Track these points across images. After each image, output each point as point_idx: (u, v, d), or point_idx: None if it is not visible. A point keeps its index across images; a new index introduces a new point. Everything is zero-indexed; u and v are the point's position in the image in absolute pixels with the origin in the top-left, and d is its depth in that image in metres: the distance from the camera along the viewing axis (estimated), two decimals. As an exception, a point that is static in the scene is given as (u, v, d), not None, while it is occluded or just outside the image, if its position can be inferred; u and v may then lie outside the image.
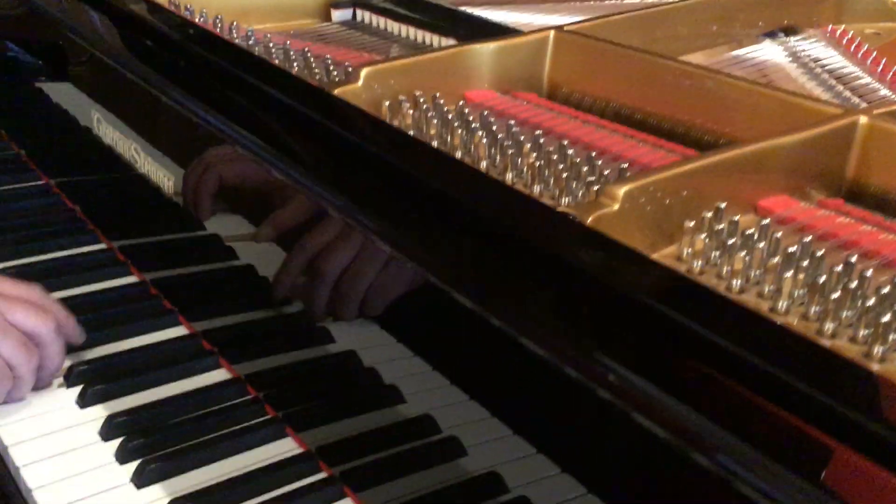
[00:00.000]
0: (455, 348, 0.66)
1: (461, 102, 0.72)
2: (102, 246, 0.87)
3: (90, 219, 0.91)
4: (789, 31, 1.08)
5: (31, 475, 0.58)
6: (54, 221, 0.90)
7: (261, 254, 0.80)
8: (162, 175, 0.85)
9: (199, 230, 0.85)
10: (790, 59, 0.96)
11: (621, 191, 0.50)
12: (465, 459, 0.62)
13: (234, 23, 0.92)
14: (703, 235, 0.51)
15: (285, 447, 0.63)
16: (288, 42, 0.89)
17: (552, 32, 0.81)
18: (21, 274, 0.79)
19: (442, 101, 0.71)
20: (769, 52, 0.99)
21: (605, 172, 0.58)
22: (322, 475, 0.60)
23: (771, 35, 1.06)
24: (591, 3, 1.10)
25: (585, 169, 0.59)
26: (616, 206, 0.50)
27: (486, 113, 0.69)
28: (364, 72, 0.70)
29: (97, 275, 0.81)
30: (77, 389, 0.66)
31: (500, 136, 0.65)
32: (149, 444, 0.60)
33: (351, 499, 0.59)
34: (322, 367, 0.70)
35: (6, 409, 0.63)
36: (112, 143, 0.98)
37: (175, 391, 0.67)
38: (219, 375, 0.69)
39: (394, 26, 1.02)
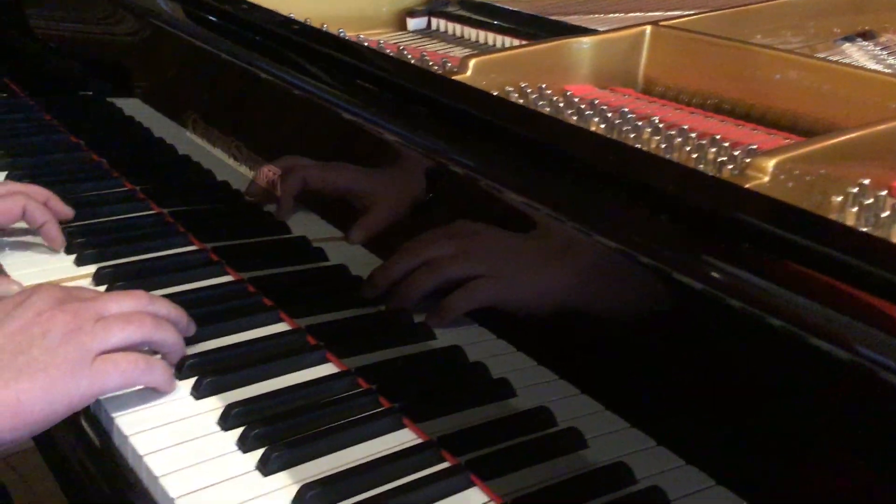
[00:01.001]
0: (562, 345, 0.65)
1: (568, 93, 0.71)
2: (195, 247, 0.87)
3: (179, 222, 0.91)
4: (867, 36, 1.07)
5: (155, 463, 0.57)
6: (143, 225, 0.91)
7: (349, 255, 0.81)
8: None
9: (284, 232, 0.86)
10: (874, 62, 0.95)
11: (771, 163, 0.49)
12: (589, 451, 0.61)
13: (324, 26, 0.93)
14: (855, 209, 0.50)
15: (405, 437, 0.62)
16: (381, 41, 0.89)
17: (649, 27, 0.81)
18: (118, 273, 0.81)
19: (549, 91, 0.71)
20: (852, 55, 0.98)
21: (735, 153, 0.57)
22: (446, 464, 0.59)
23: (849, 39, 1.05)
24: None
25: (714, 150, 0.58)
26: (766, 179, 0.49)
27: (596, 101, 0.68)
28: (472, 62, 0.69)
29: (194, 274, 0.81)
30: (190, 381, 0.65)
31: (617, 121, 0.64)
32: (271, 433, 0.60)
33: (479, 487, 0.58)
34: (430, 362, 0.70)
35: (121, 402, 0.63)
36: (195, 149, 0.99)
37: (286, 383, 0.66)
38: (327, 369, 0.69)
39: (471, 33, 1.03)
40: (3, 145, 1.07)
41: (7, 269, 0.82)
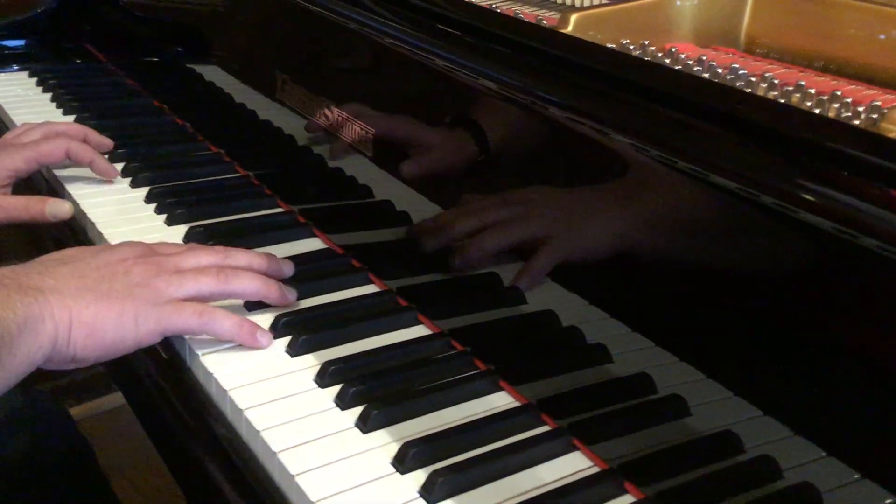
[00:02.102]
0: (655, 311, 0.64)
1: (673, 49, 0.69)
2: (282, 209, 0.87)
3: (265, 185, 0.91)
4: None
5: (255, 417, 0.57)
6: (231, 187, 0.91)
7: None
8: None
9: (368, 196, 0.86)
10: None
11: (907, 115, 0.46)
12: (693, 419, 0.59)
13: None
14: None
15: (503, 400, 0.61)
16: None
17: (753, -15, 0.78)
18: (209, 232, 0.81)
19: (653, 48, 0.69)
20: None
21: (860, 109, 0.55)
22: (547, 427, 0.58)
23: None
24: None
25: (836, 106, 0.55)
26: (903, 132, 0.46)
27: (704, 58, 0.66)
28: (574, 17, 0.68)
29: (282, 235, 0.81)
30: (286, 340, 0.65)
31: (729, 77, 0.62)
32: (368, 391, 0.59)
33: (582, 451, 0.57)
34: (523, 326, 0.69)
35: (220, 358, 0.63)
36: (277, 114, 0.99)
37: (380, 343, 0.66)
38: (420, 330, 0.68)
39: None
40: (90, 108, 1.08)
41: (99, 227, 0.83)
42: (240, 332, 0.64)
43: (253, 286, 0.67)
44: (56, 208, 0.81)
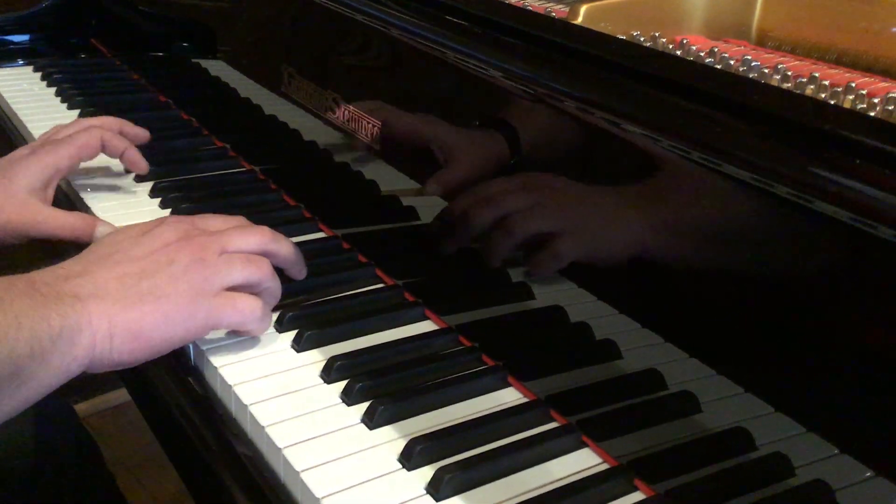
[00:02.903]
0: (665, 307, 0.63)
1: (685, 41, 0.68)
2: (288, 203, 0.87)
3: (271, 179, 0.91)
4: None
5: (260, 413, 0.57)
6: (237, 181, 0.91)
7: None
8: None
9: (374, 190, 0.85)
10: None
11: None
12: (704, 416, 0.58)
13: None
14: None
15: (511, 396, 0.61)
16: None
17: (765, -23, 0.77)
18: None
19: (664, 40, 0.68)
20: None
21: (875, 100, 0.54)
22: (556, 424, 0.58)
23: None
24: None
25: (851, 98, 0.55)
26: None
27: (716, 49, 0.65)
28: (584, 9, 0.67)
29: (288, 230, 0.79)
30: (291, 334, 0.65)
31: (741, 69, 0.61)
32: (375, 386, 0.59)
33: (592, 448, 0.56)
34: (531, 321, 0.68)
35: (224, 352, 0.63)
36: (282, 109, 0.99)
37: (387, 339, 0.66)
38: (427, 326, 0.68)
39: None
40: (95, 102, 1.08)
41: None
42: (264, 328, 0.64)
43: (278, 291, 0.65)
44: (106, 230, 0.76)
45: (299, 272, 0.70)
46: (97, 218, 0.78)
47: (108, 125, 0.87)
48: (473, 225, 0.72)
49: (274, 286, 0.65)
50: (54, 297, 0.56)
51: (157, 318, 0.58)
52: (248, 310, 0.62)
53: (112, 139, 0.85)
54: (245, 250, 0.64)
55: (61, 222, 0.75)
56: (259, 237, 0.66)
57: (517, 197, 0.70)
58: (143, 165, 0.88)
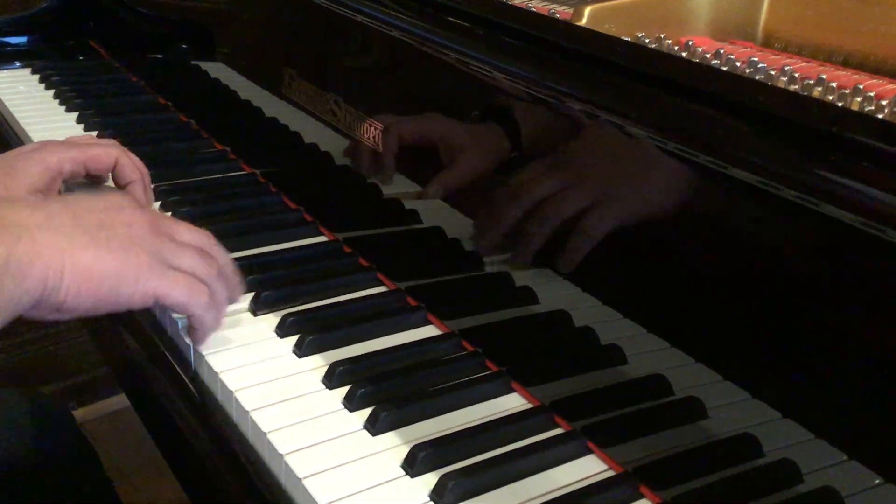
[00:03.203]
0: (671, 311, 0.63)
1: (690, 42, 0.68)
2: (288, 206, 0.87)
3: (271, 182, 0.91)
4: None
5: (261, 419, 0.57)
6: (237, 184, 0.91)
7: (443, 217, 0.80)
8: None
9: (377, 194, 0.85)
10: None
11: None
12: (710, 422, 0.58)
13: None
14: None
15: (515, 402, 0.61)
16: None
17: (771, -22, 0.77)
18: (214, 231, 0.79)
19: (669, 41, 0.68)
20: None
21: (883, 103, 0.54)
22: (560, 430, 0.58)
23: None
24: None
25: (859, 100, 0.55)
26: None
27: (722, 51, 0.65)
28: (588, 10, 0.67)
29: (289, 233, 0.81)
30: (293, 339, 0.65)
31: (748, 70, 0.61)
32: (377, 392, 0.59)
33: (597, 455, 0.56)
34: (535, 326, 0.68)
35: (225, 358, 0.62)
36: (282, 111, 0.99)
37: (389, 344, 0.65)
38: (430, 331, 0.68)
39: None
40: (94, 105, 1.08)
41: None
42: (212, 324, 0.63)
43: (223, 296, 0.64)
44: None
45: (233, 291, 0.66)
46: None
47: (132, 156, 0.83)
48: (506, 221, 0.71)
49: (220, 293, 0.63)
50: None
51: (110, 267, 0.57)
52: (196, 293, 0.60)
53: (128, 165, 0.80)
54: (193, 242, 0.64)
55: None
56: (203, 236, 0.65)
57: (543, 183, 0.69)
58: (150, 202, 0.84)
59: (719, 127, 0.54)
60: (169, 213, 0.83)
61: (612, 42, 0.64)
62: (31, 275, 0.53)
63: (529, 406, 0.60)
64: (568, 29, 0.69)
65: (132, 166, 0.82)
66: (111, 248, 0.57)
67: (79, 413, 1.50)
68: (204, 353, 0.63)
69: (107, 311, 0.58)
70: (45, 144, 0.80)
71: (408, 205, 0.83)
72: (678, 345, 0.61)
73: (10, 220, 0.55)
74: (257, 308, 0.68)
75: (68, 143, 0.81)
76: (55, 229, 0.56)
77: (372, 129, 0.84)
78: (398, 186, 0.84)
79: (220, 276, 0.64)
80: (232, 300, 0.66)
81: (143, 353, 0.67)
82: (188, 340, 0.64)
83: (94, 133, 1.01)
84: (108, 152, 0.81)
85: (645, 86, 0.58)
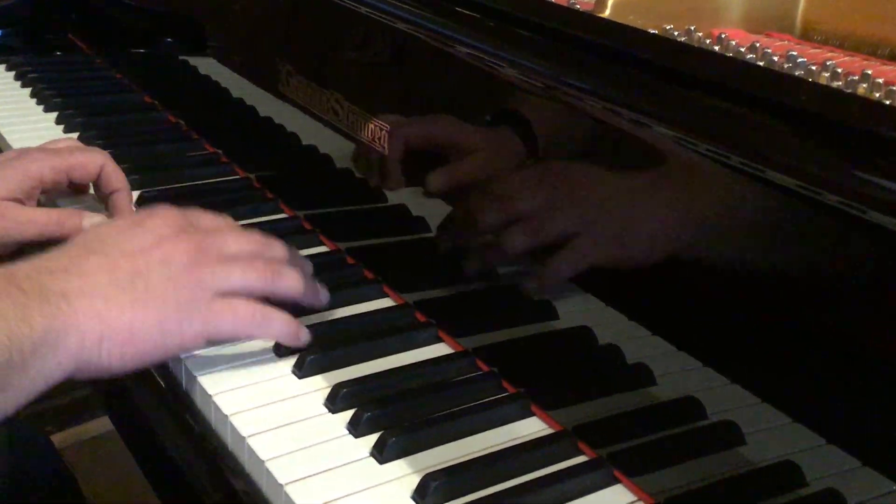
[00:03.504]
0: (703, 328, 0.63)
1: (723, 35, 0.68)
2: (286, 215, 0.87)
3: (267, 188, 0.91)
4: None
5: (259, 445, 0.56)
6: (230, 190, 0.91)
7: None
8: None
9: (381, 201, 0.85)
10: None
11: None
12: (748, 448, 0.58)
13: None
14: None
15: (535, 426, 0.60)
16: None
17: (810, -36, 0.77)
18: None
19: (700, 34, 0.68)
20: None
21: (934, 100, 0.54)
22: (585, 457, 0.58)
23: None
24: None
25: (908, 96, 0.55)
26: None
27: (757, 45, 0.65)
28: (611, 1, 0.67)
29: (287, 243, 0.80)
30: (291, 359, 0.64)
31: (786, 65, 0.61)
32: (385, 416, 0.58)
33: (625, 484, 0.56)
34: (556, 344, 0.68)
35: (220, 379, 0.62)
36: (278, 110, 0.99)
37: (397, 363, 0.65)
38: (441, 349, 0.68)
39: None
40: (74, 104, 1.08)
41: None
42: (289, 331, 0.64)
43: (299, 287, 0.65)
44: (95, 220, 0.75)
45: (306, 270, 0.69)
46: (83, 211, 0.77)
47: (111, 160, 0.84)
48: (485, 225, 0.72)
49: (291, 287, 0.64)
50: (37, 294, 0.55)
51: (152, 322, 0.58)
52: (249, 316, 0.61)
53: (113, 173, 0.81)
54: (242, 252, 0.64)
55: (45, 219, 0.75)
56: (254, 243, 0.66)
57: (532, 195, 0.70)
58: (130, 211, 0.84)
59: (755, 127, 0.54)
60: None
61: (637, 35, 0.64)
62: (65, 347, 0.55)
63: (550, 431, 0.60)
64: (589, 21, 0.69)
65: (118, 174, 0.83)
66: (150, 301, 0.58)
67: (58, 438, 1.51)
68: (196, 373, 0.62)
69: (159, 362, 0.61)
70: (27, 152, 0.80)
71: (415, 211, 0.83)
72: (712, 364, 0.61)
73: (50, 287, 0.56)
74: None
75: (50, 150, 0.81)
76: (91, 293, 0.57)
77: (377, 130, 0.84)
78: (405, 191, 0.84)
79: (280, 277, 0.64)
80: (309, 301, 0.67)
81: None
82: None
83: (76, 135, 1.01)
84: (93, 159, 0.81)
85: (674, 83, 0.57)
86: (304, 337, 0.65)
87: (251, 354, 0.65)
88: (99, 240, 0.62)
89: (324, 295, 0.69)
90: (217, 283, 0.61)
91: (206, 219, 0.67)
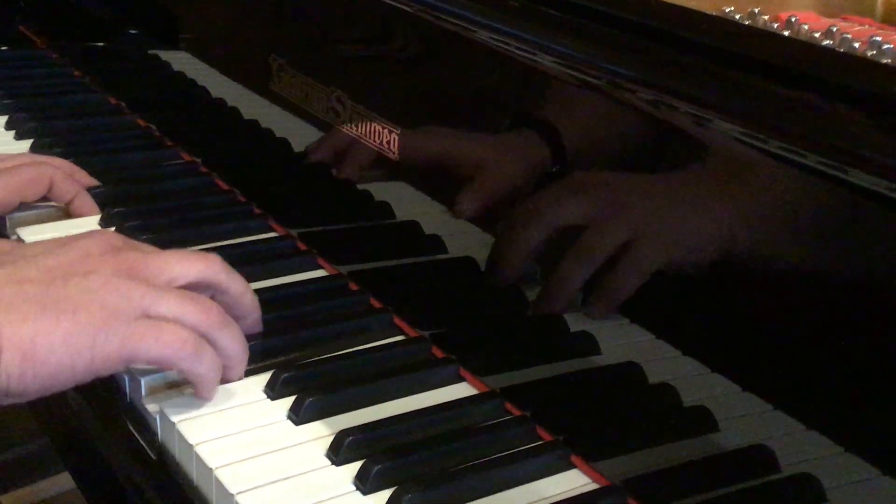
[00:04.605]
0: (779, 363, 0.63)
1: (793, 18, 0.69)
2: (277, 234, 0.88)
3: (255, 202, 0.93)
4: None
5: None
6: (211, 205, 0.92)
7: (474, 244, 0.80)
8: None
9: (388, 217, 0.86)
10: None
11: None
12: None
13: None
14: None
15: (576, 480, 0.61)
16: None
17: (894, -64, 0.78)
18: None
19: (766, 17, 0.69)
20: None
21: None
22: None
23: None
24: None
25: None
26: None
27: (834, 29, 0.66)
28: (669, -17, 0.68)
29: (279, 267, 0.82)
30: (287, 402, 0.65)
31: (869, 52, 0.62)
32: (398, 469, 0.59)
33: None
34: (599, 383, 0.69)
35: (201, 426, 0.63)
36: (265, 112, 1.00)
37: (410, 407, 0.66)
38: (463, 389, 0.69)
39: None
40: (27, 107, 1.10)
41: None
42: (212, 383, 0.64)
43: (236, 348, 0.66)
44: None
45: (254, 323, 0.70)
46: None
47: (59, 166, 0.90)
48: (527, 251, 0.73)
49: (230, 340, 0.65)
50: None
51: (58, 334, 0.58)
52: (178, 341, 0.61)
53: (63, 181, 0.87)
54: (186, 278, 0.65)
55: None
56: (205, 264, 0.67)
57: (576, 208, 0.71)
58: (95, 210, 0.89)
59: (834, 121, 0.54)
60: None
61: (692, 17, 0.65)
62: None
63: (595, 486, 0.60)
64: (642, 3, 0.70)
65: (69, 182, 0.88)
66: (59, 311, 0.59)
67: (8, 499, 1.51)
68: (175, 420, 0.63)
69: (65, 387, 0.60)
70: None
71: (427, 229, 0.84)
72: (784, 407, 0.62)
73: None
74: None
75: None
76: None
77: (384, 132, 0.85)
78: (418, 206, 0.85)
79: (227, 327, 0.65)
80: (253, 330, 0.68)
81: (93, 421, 0.67)
82: (152, 408, 0.65)
83: (29, 142, 1.03)
84: (42, 173, 0.86)
85: (737, 71, 0.59)
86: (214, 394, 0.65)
87: (239, 396, 0.66)
88: (15, 254, 0.64)
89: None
90: (146, 303, 0.62)
91: (150, 246, 0.68)
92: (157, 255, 0.66)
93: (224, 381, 0.67)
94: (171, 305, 0.63)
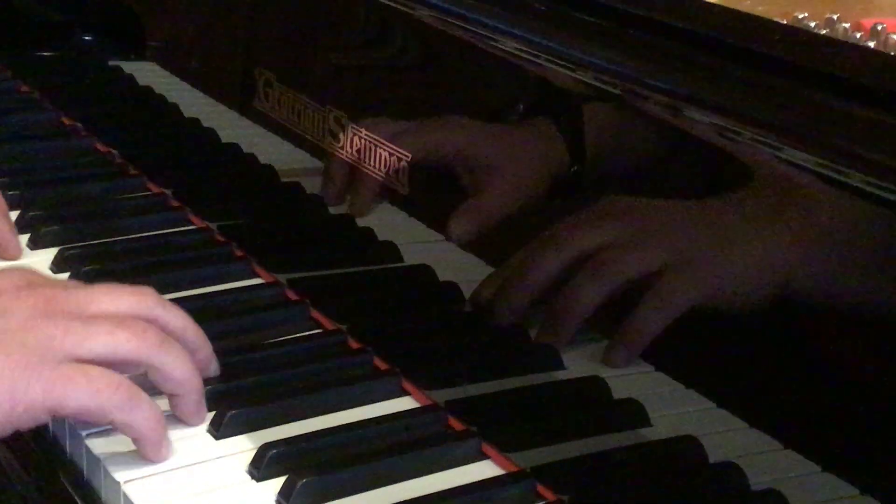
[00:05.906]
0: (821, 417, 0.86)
1: (879, 27, 0.89)
2: (262, 280, 1.13)
3: (235, 243, 1.18)
4: None
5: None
6: (183, 246, 1.19)
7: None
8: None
9: (394, 260, 1.12)
10: None
11: None
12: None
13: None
14: None
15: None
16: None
17: None
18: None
19: (846, 25, 0.89)
20: None
21: None
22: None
23: None
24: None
25: None
26: None
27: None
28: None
29: (262, 320, 1.10)
30: (208, 414, 0.89)
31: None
32: (326, 484, 0.82)
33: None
34: (561, 398, 0.95)
35: (107, 441, 0.86)
36: (244, 132, 1.28)
37: (346, 420, 0.90)
38: (404, 403, 0.95)
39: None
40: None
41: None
42: (154, 434, 0.84)
43: (182, 367, 0.85)
44: None
45: (205, 361, 0.91)
46: None
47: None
48: (537, 275, 0.97)
49: (174, 365, 0.84)
50: None
51: None
52: (109, 388, 0.78)
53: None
54: (116, 313, 0.83)
55: None
56: (137, 299, 0.84)
57: (596, 227, 0.93)
58: (14, 249, 1.13)
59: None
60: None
61: (760, 26, 0.84)
62: None
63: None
64: (692, 6, 0.89)
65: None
66: None
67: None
68: (82, 432, 0.85)
69: None
70: None
71: (443, 276, 1.08)
72: (850, 476, 0.82)
73: None
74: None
75: None
76: None
77: (392, 159, 1.07)
78: (425, 244, 1.11)
79: (168, 347, 0.84)
80: (208, 372, 0.88)
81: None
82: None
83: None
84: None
85: (811, 90, 0.76)
86: (166, 453, 0.84)
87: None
88: None
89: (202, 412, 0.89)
90: (72, 343, 0.78)
91: (74, 282, 0.85)
92: (82, 289, 0.85)
93: (179, 413, 0.89)
94: (100, 338, 0.81)
